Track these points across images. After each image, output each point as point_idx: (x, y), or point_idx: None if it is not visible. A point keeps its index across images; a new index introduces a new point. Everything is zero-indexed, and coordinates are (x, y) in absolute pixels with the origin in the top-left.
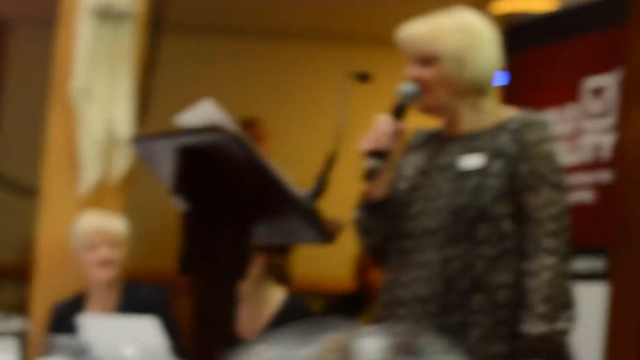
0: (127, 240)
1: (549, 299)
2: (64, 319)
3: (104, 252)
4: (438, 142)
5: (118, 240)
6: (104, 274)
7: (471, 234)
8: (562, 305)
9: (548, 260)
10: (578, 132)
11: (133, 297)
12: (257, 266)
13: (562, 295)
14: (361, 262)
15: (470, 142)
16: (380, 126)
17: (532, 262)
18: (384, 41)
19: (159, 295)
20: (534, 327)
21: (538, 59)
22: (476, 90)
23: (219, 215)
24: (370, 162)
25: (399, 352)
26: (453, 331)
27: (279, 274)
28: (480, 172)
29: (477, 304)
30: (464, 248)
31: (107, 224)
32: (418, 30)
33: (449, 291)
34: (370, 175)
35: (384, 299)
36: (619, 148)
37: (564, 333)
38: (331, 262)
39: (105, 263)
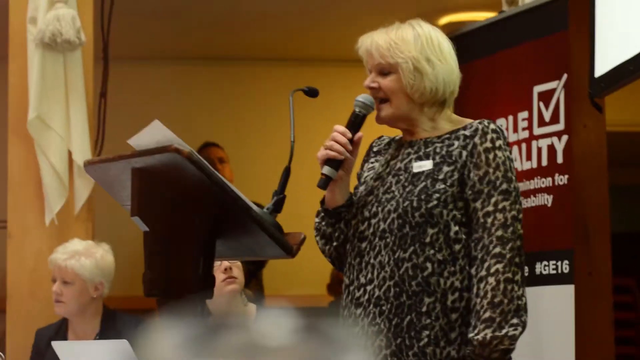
0: (85, 275)
1: (495, 305)
2: (45, 344)
3: (55, 287)
4: (395, 147)
5: (68, 276)
6: (56, 309)
7: (420, 237)
8: (509, 311)
9: (495, 267)
10: (532, 138)
11: (113, 325)
12: (240, 280)
13: (509, 301)
14: (338, 274)
15: (425, 147)
16: (336, 135)
17: (479, 267)
18: (333, 60)
19: (139, 324)
20: (479, 333)
21: (485, 69)
22: (436, 101)
23: (179, 234)
24: (326, 170)
25: (302, 332)
26: (405, 333)
27: (256, 286)
28: (429, 176)
29: (428, 307)
30: (413, 251)
31: (60, 258)
32: (376, 41)
33: (400, 293)
34: (324, 182)
35: (344, 299)
36: (570, 152)
37: (511, 339)
38: (298, 279)
39: (55, 298)
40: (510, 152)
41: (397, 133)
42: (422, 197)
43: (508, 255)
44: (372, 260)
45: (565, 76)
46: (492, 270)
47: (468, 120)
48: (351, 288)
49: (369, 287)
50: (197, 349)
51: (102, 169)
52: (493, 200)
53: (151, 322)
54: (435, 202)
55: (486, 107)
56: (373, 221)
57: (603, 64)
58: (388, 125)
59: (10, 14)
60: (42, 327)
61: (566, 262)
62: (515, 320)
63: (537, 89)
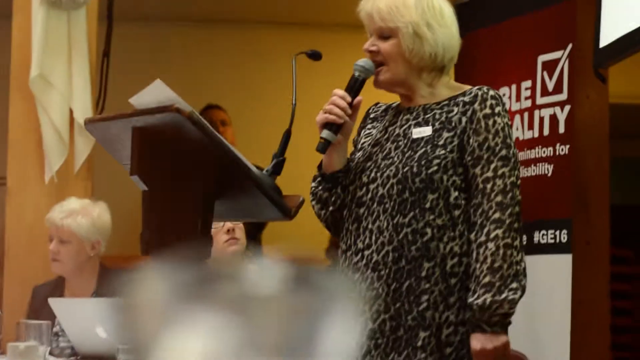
0: (82, 234)
1: (495, 269)
2: (42, 301)
3: (52, 246)
4: (393, 114)
5: (65, 235)
6: (52, 268)
7: (419, 203)
8: (509, 275)
9: (495, 232)
10: (534, 107)
11: (109, 283)
12: (242, 241)
13: (508, 266)
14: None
15: (424, 114)
16: (336, 99)
17: (479, 233)
18: (336, 25)
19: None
20: (478, 297)
21: (491, 37)
22: (435, 67)
23: (177, 194)
24: (324, 134)
25: (292, 282)
26: (404, 297)
27: (255, 247)
28: (429, 142)
29: (427, 272)
30: (412, 216)
31: (57, 217)
32: (377, 5)
33: (399, 258)
34: (323, 146)
35: (341, 264)
36: (572, 123)
37: (510, 303)
38: (296, 242)
39: (52, 257)
40: (509, 119)
41: (393, 99)
42: (422, 162)
43: (507, 221)
44: (370, 226)
45: (570, 46)
46: (492, 235)
47: (466, 87)
48: (348, 253)
49: (366, 252)
50: (187, 296)
51: (103, 127)
52: (492, 166)
53: (143, 272)
54: (435, 168)
55: (490, 76)
56: (372, 187)
57: (608, 34)
58: (386, 90)
59: None
60: (40, 284)
61: (564, 231)
62: (514, 285)
63: (542, 58)
